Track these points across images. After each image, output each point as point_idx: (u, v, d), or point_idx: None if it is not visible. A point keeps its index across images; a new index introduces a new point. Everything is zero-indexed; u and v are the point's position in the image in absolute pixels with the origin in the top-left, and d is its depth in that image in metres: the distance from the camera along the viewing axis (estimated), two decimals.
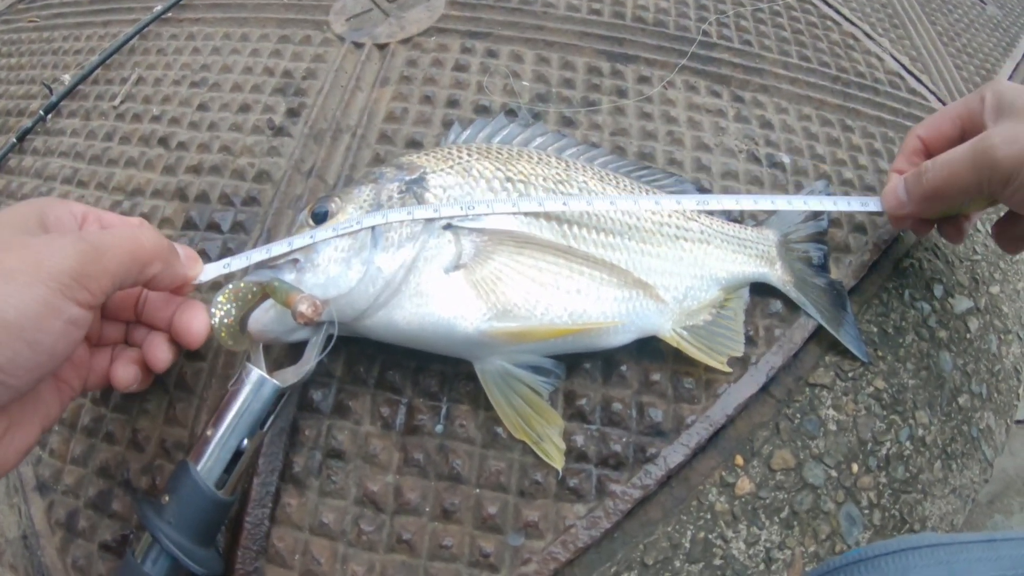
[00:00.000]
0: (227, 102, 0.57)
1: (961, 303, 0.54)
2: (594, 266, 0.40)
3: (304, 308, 0.34)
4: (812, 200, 0.45)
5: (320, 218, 0.39)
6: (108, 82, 0.63)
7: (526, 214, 0.40)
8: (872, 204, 0.46)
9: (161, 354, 0.36)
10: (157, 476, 0.40)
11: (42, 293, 0.27)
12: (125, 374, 0.36)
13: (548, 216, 0.40)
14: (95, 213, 0.35)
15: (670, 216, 0.44)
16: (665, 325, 0.41)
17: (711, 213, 0.47)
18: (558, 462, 0.39)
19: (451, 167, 0.42)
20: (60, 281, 0.27)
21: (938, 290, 0.53)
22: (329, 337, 0.37)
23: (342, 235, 0.38)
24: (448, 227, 0.39)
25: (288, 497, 0.39)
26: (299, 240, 0.38)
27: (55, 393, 0.34)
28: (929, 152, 0.47)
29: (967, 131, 0.44)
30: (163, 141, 0.56)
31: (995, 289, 0.57)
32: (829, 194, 0.50)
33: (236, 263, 0.39)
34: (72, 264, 0.28)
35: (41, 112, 0.61)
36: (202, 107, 0.57)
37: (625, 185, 0.45)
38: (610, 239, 0.41)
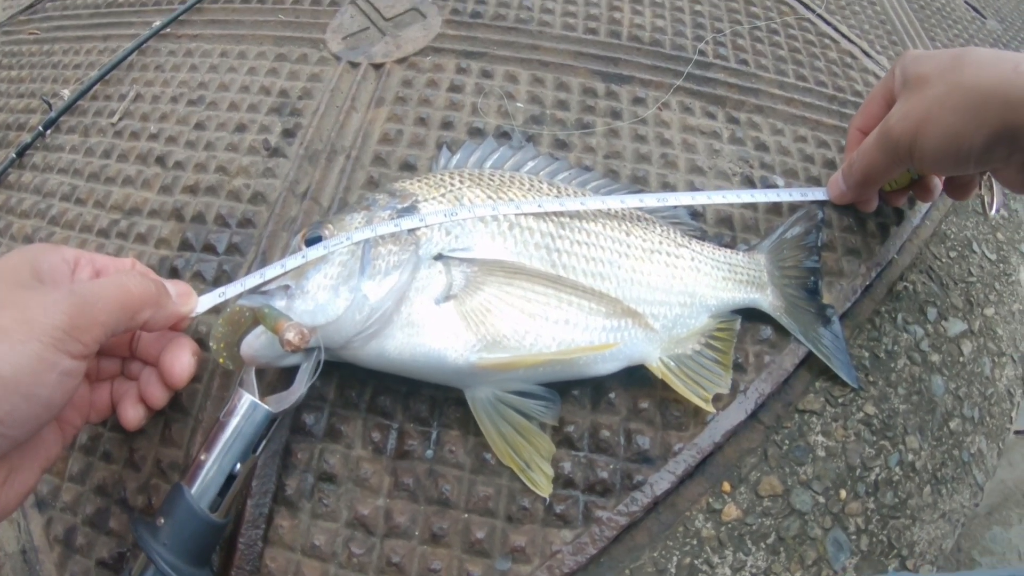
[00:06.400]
0: (224, 121, 0.58)
1: (955, 326, 0.54)
2: (583, 295, 0.40)
3: (291, 336, 0.35)
4: (759, 193, 0.50)
5: (313, 243, 0.40)
6: (107, 98, 0.63)
7: (515, 245, 0.40)
8: (814, 194, 0.51)
9: (157, 392, 0.37)
10: (153, 495, 0.41)
11: (36, 349, 0.28)
12: (135, 415, 0.37)
13: (537, 246, 0.41)
14: (87, 257, 0.36)
15: (660, 243, 0.45)
16: (653, 353, 0.42)
17: (702, 239, 0.47)
18: (544, 490, 0.39)
19: (443, 195, 0.42)
20: (53, 336, 0.28)
21: (932, 313, 0.53)
22: (319, 363, 0.37)
23: (331, 263, 0.38)
24: (439, 258, 0.39)
25: (281, 519, 0.39)
26: (291, 261, 0.39)
27: (56, 433, 0.35)
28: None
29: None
30: (160, 160, 0.56)
31: (990, 311, 0.57)
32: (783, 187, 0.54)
33: (231, 290, 0.40)
34: (64, 319, 0.29)
35: (40, 128, 0.61)
36: (199, 126, 0.58)
37: (616, 212, 0.46)
38: (600, 268, 0.41)
